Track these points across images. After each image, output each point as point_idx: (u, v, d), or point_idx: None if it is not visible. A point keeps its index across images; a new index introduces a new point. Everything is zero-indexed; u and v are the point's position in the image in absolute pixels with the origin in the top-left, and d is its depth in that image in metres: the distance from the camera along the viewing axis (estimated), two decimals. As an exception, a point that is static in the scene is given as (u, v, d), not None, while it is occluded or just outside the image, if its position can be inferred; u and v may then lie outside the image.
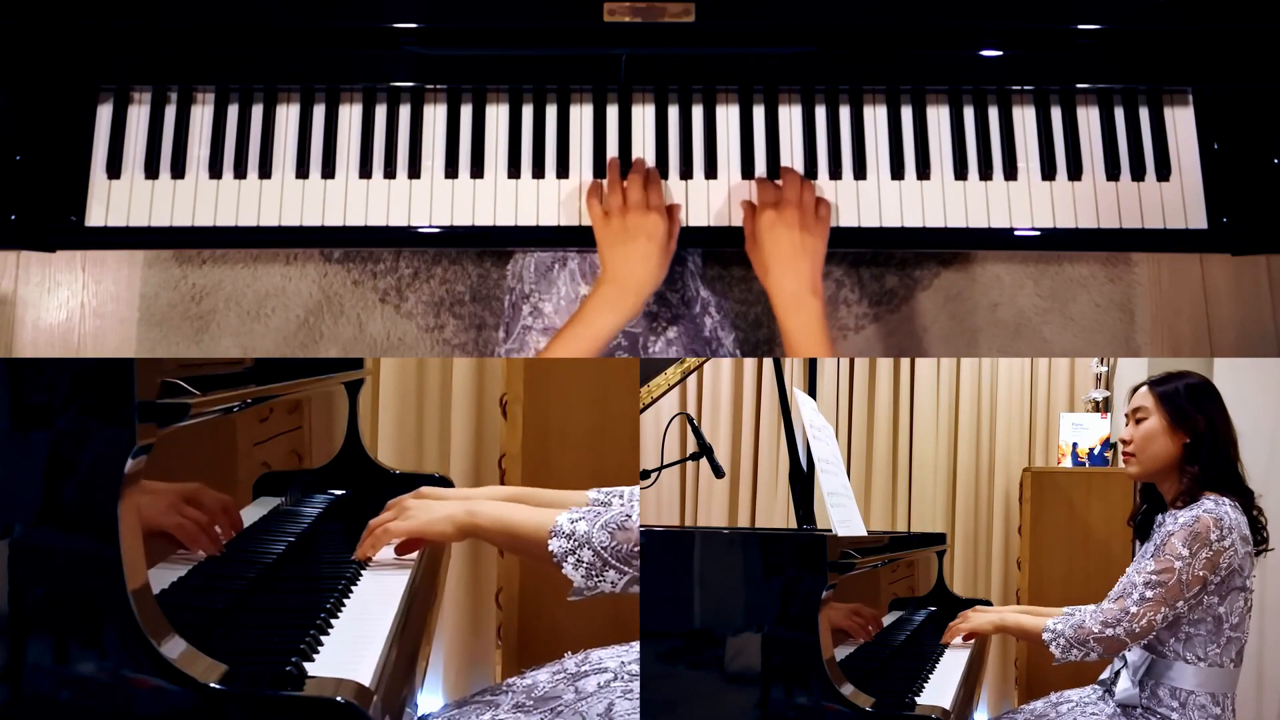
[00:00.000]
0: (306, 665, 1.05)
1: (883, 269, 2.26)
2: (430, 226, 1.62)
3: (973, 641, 1.83)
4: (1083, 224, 1.63)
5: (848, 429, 3.00)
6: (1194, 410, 1.59)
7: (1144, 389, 1.64)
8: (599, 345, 1.51)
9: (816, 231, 1.53)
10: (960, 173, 1.63)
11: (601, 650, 1.43)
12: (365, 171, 1.62)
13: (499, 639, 2.29)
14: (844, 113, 1.65)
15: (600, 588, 1.17)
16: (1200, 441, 1.58)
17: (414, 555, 1.45)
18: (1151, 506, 1.66)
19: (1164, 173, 1.64)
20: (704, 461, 1.85)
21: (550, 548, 1.18)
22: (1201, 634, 1.54)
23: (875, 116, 1.66)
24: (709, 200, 1.62)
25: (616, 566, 1.16)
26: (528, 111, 1.64)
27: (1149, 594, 1.51)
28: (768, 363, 2.98)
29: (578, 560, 1.17)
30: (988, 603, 2.10)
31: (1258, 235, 1.62)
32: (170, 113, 1.63)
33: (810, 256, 1.52)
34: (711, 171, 1.63)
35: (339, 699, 0.93)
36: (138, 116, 1.63)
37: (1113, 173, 1.64)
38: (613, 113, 1.64)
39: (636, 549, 1.16)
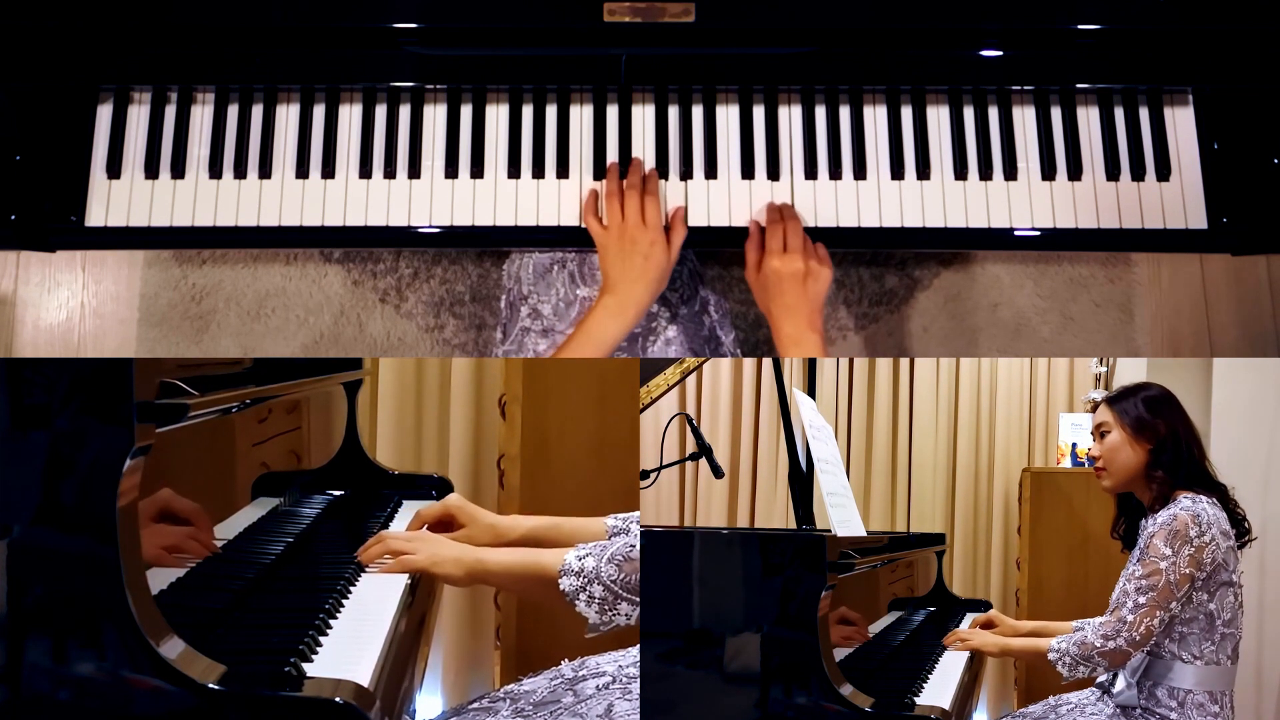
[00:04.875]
0: (305, 666, 1.05)
1: (883, 269, 2.26)
2: (430, 226, 1.61)
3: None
4: (1083, 224, 1.63)
5: (847, 429, 2.99)
6: (1152, 418, 1.63)
7: (1103, 406, 1.69)
8: (604, 353, 1.56)
9: (821, 277, 1.56)
10: (960, 173, 1.63)
11: (598, 656, 1.43)
12: (365, 171, 1.62)
13: (498, 640, 2.29)
14: (844, 113, 1.65)
15: (615, 621, 1.19)
16: (1163, 447, 1.61)
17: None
18: (1132, 515, 1.68)
19: (1164, 173, 1.64)
20: (703, 462, 1.85)
21: (562, 586, 1.19)
22: (1195, 632, 1.55)
23: (875, 116, 1.66)
24: (709, 200, 1.62)
25: (627, 598, 1.18)
26: (528, 112, 1.64)
27: (1142, 600, 1.52)
28: (767, 363, 2.98)
29: (589, 596, 1.18)
30: (987, 604, 2.10)
31: (1258, 235, 1.62)
32: (170, 113, 1.63)
33: (811, 302, 1.56)
34: (711, 171, 1.63)
35: (338, 699, 0.93)
36: (138, 116, 1.63)
37: (1113, 173, 1.64)
38: (613, 113, 1.64)
39: None
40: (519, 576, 1.26)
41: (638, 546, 1.18)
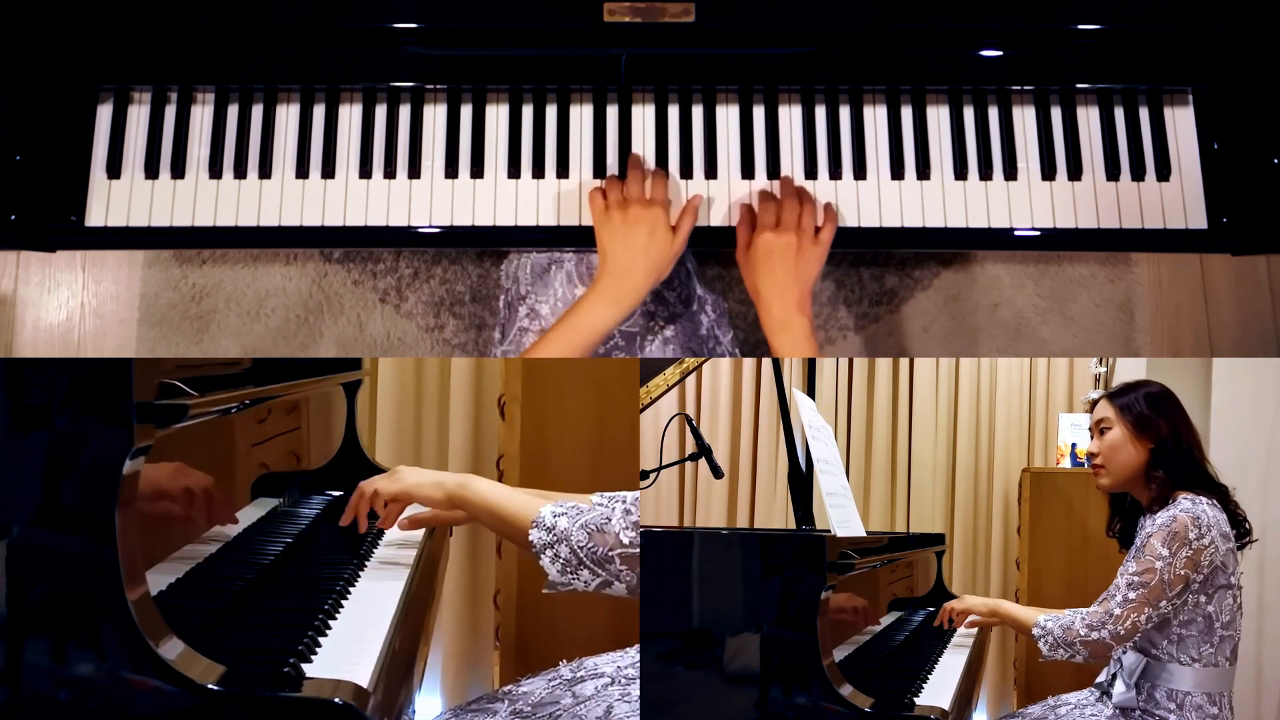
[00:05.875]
0: (304, 666, 1.05)
1: (883, 269, 2.26)
2: (430, 226, 1.61)
3: (971, 642, 1.83)
4: (1083, 224, 1.62)
5: (847, 429, 2.99)
6: (1155, 416, 1.61)
7: (1103, 401, 1.66)
8: (593, 341, 1.51)
9: (813, 257, 1.54)
10: (960, 173, 1.63)
11: (597, 657, 1.43)
12: (365, 171, 1.62)
13: (497, 641, 2.29)
14: (844, 113, 1.65)
15: (574, 584, 1.19)
16: (1164, 447, 1.60)
17: (412, 554, 1.45)
18: (1127, 515, 1.67)
19: (1164, 173, 1.63)
20: (703, 462, 1.85)
21: (530, 538, 1.19)
22: (1193, 634, 1.54)
23: (875, 116, 1.65)
24: (709, 200, 1.62)
25: (590, 567, 1.17)
26: (528, 111, 1.64)
27: (1131, 595, 1.52)
28: (767, 363, 2.97)
29: (555, 555, 1.18)
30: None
31: (1258, 235, 1.62)
32: (170, 113, 1.63)
33: (801, 282, 1.53)
34: (711, 171, 1.63)
35: (337, 700, 0.93)
36: (138, 116, 1.63)
37: (1113, 173, 1.64)
38: (613, 113, 1.64)
39: (612, 554, 1.17)
40: (494, 513, 1.26)
41: (612, 520, 1.18)
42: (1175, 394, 1.65)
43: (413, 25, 1.58)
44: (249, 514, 1.36)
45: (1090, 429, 1.69)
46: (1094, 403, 2.72)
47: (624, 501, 1.21)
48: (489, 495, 1.27)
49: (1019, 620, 1.68)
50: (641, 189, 1.54)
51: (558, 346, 1.50)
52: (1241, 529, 1.60)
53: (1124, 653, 1.60)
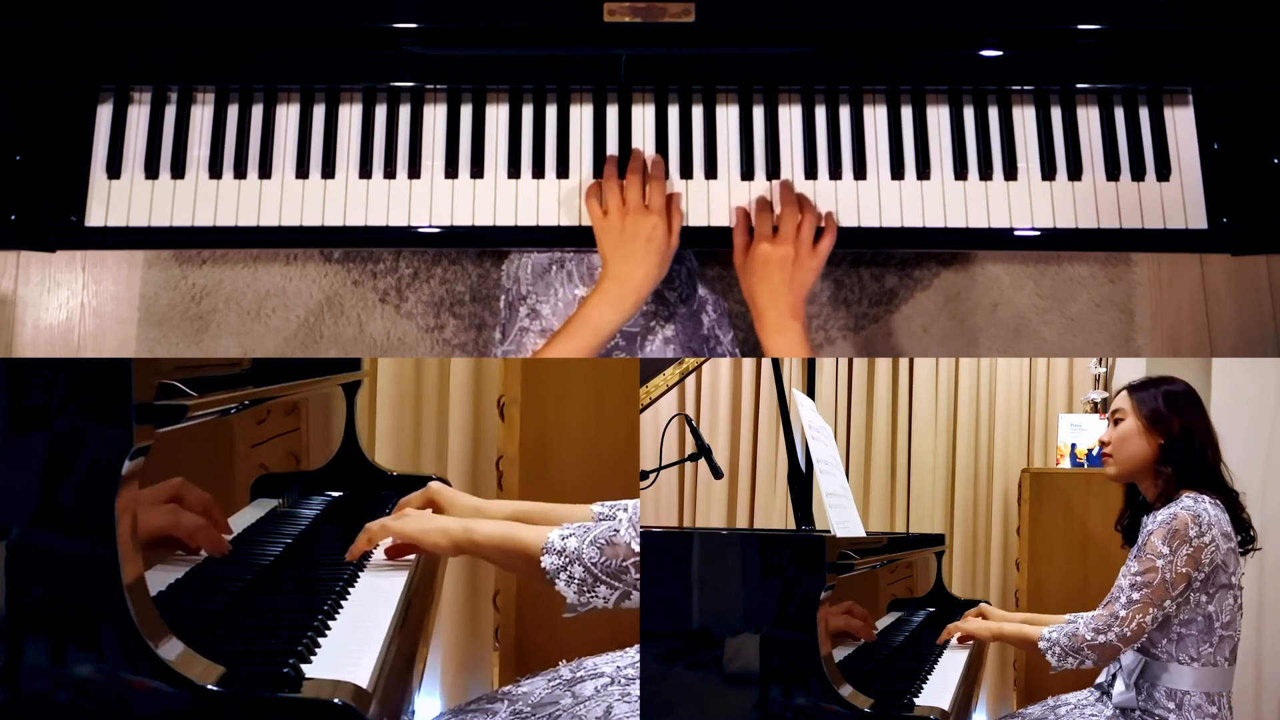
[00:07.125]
0: (304, 667, 1.04)
1: (883, 269, 2.26)
2: (430, 226, 1.61)
3: (971, 641, 1.83)
4: (1083, 224, 1.62)
5: (846, 429, 2.99)
6: (1169, 413, 1.60)
7: (1124, 392, 1.66)
8: (599, 342, 1.53)
9: (810, 267, 1.55)
10: (960, 173, 1.63)
11: (596, 657, 1.43)
12: (365, 171, 1.62)
13: (496, 641, 2.28)
14: (844, 113, 1.65)
15: (593, 603, 1.18)
16: (1174, 444, 1.59)
17: (411, 555, 1.45)
18: (1138, 510, 1.67)
19: (1164, 173, 1.63)
20: (703, 462, 1.85)
21: (543, 564, 1.18)
22: (1193, 634, 1.54)
23: (875, 116, 1.65)
24: (709, 200, 1.62)
25: (607, 582, 1.17)
26: (528, 111, 1.64)
27: (1135, 596, 1.52)
28: (767, 363, 2.97)
29: (569, 576, 1.17)
30: (986, 604, 2.10)
31: (1258, 235, 1.62)
32: (170, 113, 1.63)
33: (796, 290, 1.55)
34: (711, 171, 1.63)
35: (336, 700, 0.93)
36: (138, 116, 1.63)
37: (1113, 173, 1.64)
38: (613, 113, 1.64)
39: (626, 564, 1.16)
40: (503, 550, 1.25)
41: (621, 531, 1.17)
42: (1198, 395, 1.64)
43: (413, 25, 1.58)
44: (248, 515, 1.36)
45: (1108, 417, 1.68)
46: (1095, 405, 2.73)
47: (626, 510, 1.21)
48: (494, 535, 1.27)
49: (1024, 638, 1.67)
50: (640, 195, 1.55)
51: (565, 349, 1.51)
52: (1246, 535, 1.59)
53: (1124, 653, 1.60)
